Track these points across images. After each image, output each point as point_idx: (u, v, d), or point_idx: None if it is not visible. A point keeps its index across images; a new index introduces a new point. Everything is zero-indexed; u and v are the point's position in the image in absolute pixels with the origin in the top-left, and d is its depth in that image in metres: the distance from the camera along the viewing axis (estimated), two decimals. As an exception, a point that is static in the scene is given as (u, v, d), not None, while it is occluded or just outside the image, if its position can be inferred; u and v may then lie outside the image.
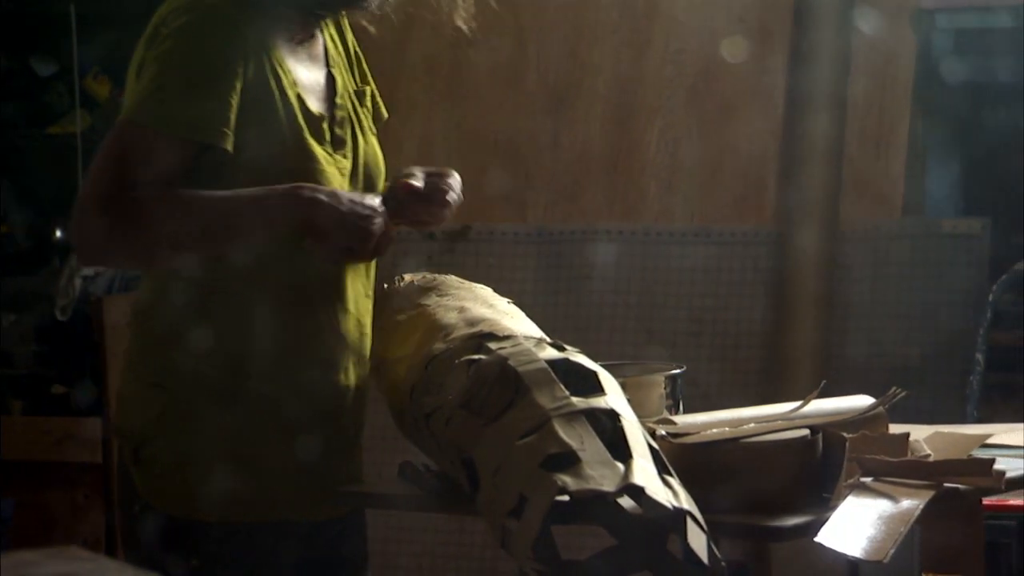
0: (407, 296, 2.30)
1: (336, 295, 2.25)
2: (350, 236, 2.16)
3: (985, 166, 4.35)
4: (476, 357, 2.01)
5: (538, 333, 2.16)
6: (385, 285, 2.36)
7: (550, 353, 2.00)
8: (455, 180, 2.33)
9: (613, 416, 1.92)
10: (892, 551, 1.91)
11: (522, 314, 2.26)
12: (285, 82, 2.21)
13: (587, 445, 1.86)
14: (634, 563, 1.94)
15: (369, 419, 2.33)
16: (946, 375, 3.96)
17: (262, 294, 2.21)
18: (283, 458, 2.22)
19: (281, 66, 2.21)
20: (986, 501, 2.29)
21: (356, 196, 2.19)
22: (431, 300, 2.25)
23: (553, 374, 1.95)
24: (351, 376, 2.27)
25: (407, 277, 2.35)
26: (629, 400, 2.26)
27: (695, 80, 4.30)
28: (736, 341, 4.22)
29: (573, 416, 1.89)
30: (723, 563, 1.84)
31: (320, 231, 2.15)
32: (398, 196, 2.25)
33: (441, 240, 4.40)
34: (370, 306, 2.31)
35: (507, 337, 2.04)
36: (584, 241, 4.34)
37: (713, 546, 1.84)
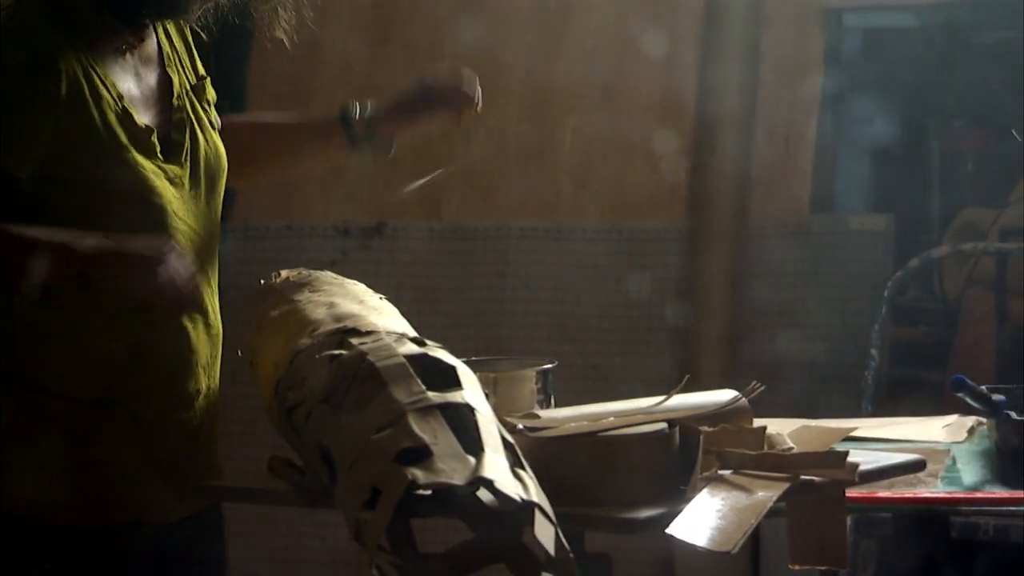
0: (281, 292, 2.32)
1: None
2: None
3: (893, 163, 4.40)
4: (337, 352, 2.04)
5: (405, 329, 2.19)
6: (262, 281, 2.38)
7: (410, 348, 2.03)
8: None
9: (468, 410, 1.95)
10: (741, 542, 1.95)
11: (394, 310, 2.29)
12: (106, 97, 2.17)
13: (440, 439, 1.89)
14: (490, 555, 1.98)
15: (252, 415, 2.35)
16: (852, 369, 4.01)
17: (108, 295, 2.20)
18: (134, 459, 2.22)
19: (103, 79, 2.18)
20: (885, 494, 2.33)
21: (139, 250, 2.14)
22: (303, 296, 2.28)
23: (411, 369, 1.98)
24: (202, 375, 2.28)
25: (283, 274, 2.38)
26: (501, 395, 2.31)
27: (608, 78, 4.34)
28: (647, 337, 4.27)
29: (428, 411, 1.92)
30: (571, 555, 1.87)
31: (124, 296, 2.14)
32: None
33: (355, 236, 4.42)
34: (216, 301, 2.31)
35: (369, 333, 2.07)
36: (497, 238, 4.37)
37: (562, 538, 1.87)
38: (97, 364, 2.20)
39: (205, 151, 2.30)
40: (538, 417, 2.15)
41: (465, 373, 2.02)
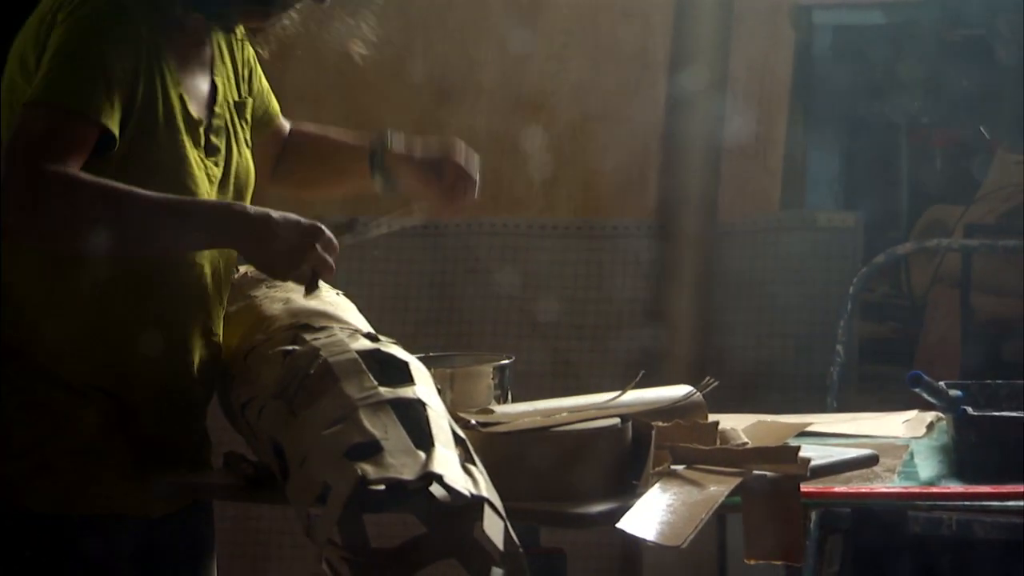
0: (240, 288, 2.33)
1: (193, 299, 2.26)
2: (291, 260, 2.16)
3: (863, 160, 4.42)
4: (290, 348, 2.05)
5: (360, 325, 2.20)
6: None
7: (362, 344, 2.04)
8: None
9: (420, 406, 1.96)
10: (691, 536, 1.96)
11: (350, 305, 2.30)
12: (170, 82, 2.23)
13: (390, 435, 1.90)
14: (441, 550, 1.99)
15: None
16: (820, 365, 4.02)
17: (110, 287, 2.22)
18: (118, 450, 2.22)
19: (168, 66, 2.23)
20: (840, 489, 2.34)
21: (294, 219, 2.19)
22: (260, 291, 2.29)
23: (363, 365, 1.99)
24: (196, 373, 2.29)
25: (242, 269, 2.38)
26: (458, 391, 2.32)
27: (579, 75, 4.35)
28: (617, 333, 4.28)
29: (379, 406, 1.93)
30: (521, 549, 1.88)
31: (267, 253, 2.16)
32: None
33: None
34: (221, 314, 2.31)
35: (322, 328, 2.08)
36: (469, 234, 4.38)
37: (512, 533, 1.88)
38: (88, 348, 2.20)
39: (237, 162, 2.34)
40: (493, 412, 2.16)
41: (418, 369, 2.03)
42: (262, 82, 2.47)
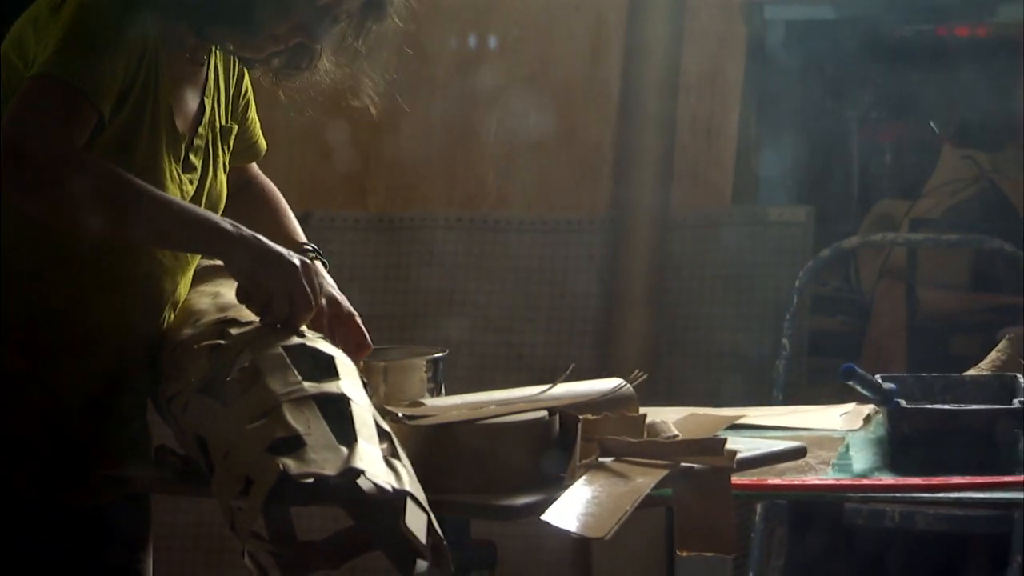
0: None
1: (140, 293, 2.26)
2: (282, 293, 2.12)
3: (814, 154, 4.45)
4: (216, 343, 2.05)
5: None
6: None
7: (288, 339, 2.04)
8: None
9: (344, 400, 1.97)
10: (615, 528, 1.97)
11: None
12: (162, 90, 2.24)
13: (313, 429, 1.91)
14: (367, 543, 2.00)
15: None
16: (770, 359, 4.05)
17: (51, 277, 2.22)
18: (48, 439, 2.23)
19: (164, 75, 2.24)
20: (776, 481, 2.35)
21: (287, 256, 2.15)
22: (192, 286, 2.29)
23: (288, 359, 1.99)
24: (134, 366, 2.29)
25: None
26: (391, 384, 2.33)
27: (532, 69, 4.36)
28: (571, 326, 4.30)
29: (303, 401, 1.94)
30: (445, 542, 1.90)
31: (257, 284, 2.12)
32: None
33: (282, 227, 4.43)
34: (170, 309, 2.31)
35: (250, 323, 2.09)
36: (423, 228, 4.40)
37: (436, 526, 1.90)
38: (26, 339, 2.20)
39: (211, 184, 2.34)
40: (422, 405, 2.17)
41: (343, 363, 2.04)
42: (255, 116, 2.48)
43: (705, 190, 4.27)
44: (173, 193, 2.25)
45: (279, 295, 2.10)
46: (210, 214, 2.19)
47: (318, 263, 2.39)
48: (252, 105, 2.47)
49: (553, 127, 4.34)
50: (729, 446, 2.13)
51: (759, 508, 3.53)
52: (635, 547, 3.90)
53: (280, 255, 2.12)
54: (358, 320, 2.33)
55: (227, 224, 2.14)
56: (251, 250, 2.11)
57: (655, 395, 4.07)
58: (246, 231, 2.13)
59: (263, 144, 2.52)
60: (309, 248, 2.44)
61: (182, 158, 2.28)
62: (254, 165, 2.56)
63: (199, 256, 2.34)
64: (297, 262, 2.12)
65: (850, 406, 2.88)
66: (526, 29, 4.38)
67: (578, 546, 4.03)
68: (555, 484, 2.06)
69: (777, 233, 4.17)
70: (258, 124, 2.50)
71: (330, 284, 2.35)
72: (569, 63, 4.34)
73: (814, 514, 2.60)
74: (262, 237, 2.14)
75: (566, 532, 1.96)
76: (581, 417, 2.10)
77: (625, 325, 4.25)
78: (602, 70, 4.33)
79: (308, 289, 2.11)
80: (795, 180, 4.44)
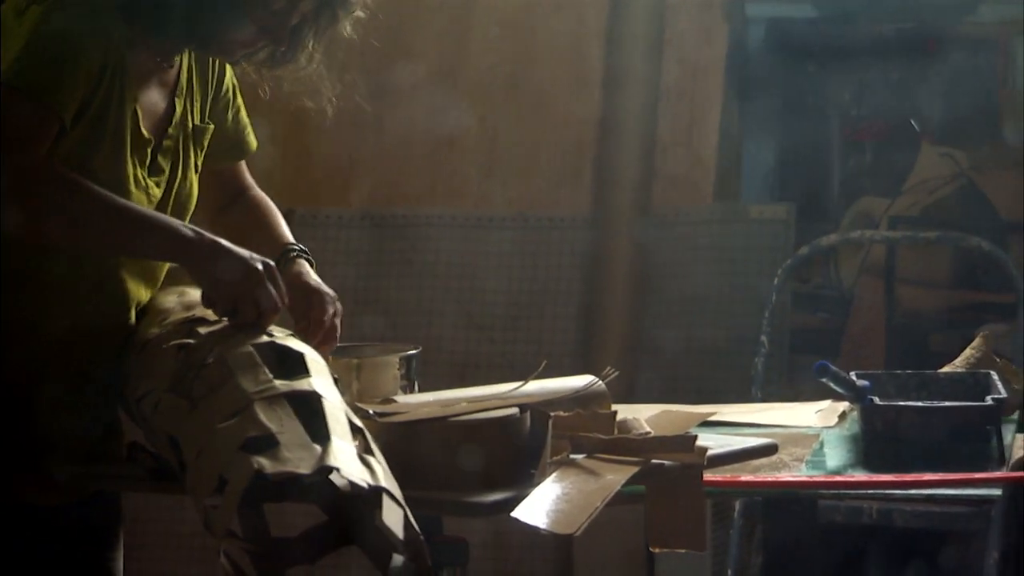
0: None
1: (107, 294, 2.26)
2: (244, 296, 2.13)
3: (796, 152, 4.46)
4: (185, 342, 2.06)
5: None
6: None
7: (258, 337, 2.05)
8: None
9: (316, 398, 1.97)
10: (585, 524, 1.98)
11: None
12: (127, 95, 2.24)
13: (286, 428, 1.92)
14: (343, 539, 2.00)
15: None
16: (751, 356, 4.06)
17: (19, 276, 2.22)
18: (17, 440, 2.23)
19: (129, 80, 2.24)
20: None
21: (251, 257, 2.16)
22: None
23: (258, 358, 2.00)
24: (104, 365, 2.29)
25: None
26: (364, 381, 2.34)
27: (514, 67, 4.37)
28: (552, 324, 4.31)
29: (274, 399, 1.95)
30: (422, 537, 1.90)
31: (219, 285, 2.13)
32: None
33: (265, 225, 4.44)
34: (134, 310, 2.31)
35: (217, 321, 2.10)
36: (406, 225, 4.41)
37: (412, 521, 1.90)
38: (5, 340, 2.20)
39: (179, 186, 2.34)
40: (395, 402, 2.18)
41: (314, 360, 2.04)
42: (240, 114, 2.47)
43: (686, 188, 4.28)
44: (138, 199, 2.25)
45: (243, 299, 2.10)
46: (171, 220, 2.19)
47: (303, 261, 2.40)
48: (238, 102, 2.46)
49: (535, 126, 4.35)
50: (700, 443, 2.14)
51: (737, 505, 3.55)
52: (616, 545, 3.91)
53: (241, 258, 2.12)
54: (335, 318, 2.33)
55: (187, 230, 2.14)
56: (212, 255, 2.11)
57: (636, 392, 4.10)
58: (207, 236, 2.14)
59: (252, 141, 2.52)
60: (294, 248, 2.44)
61: (148, 162, 2.27)
62: (248, 175, 2.55)
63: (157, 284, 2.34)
64: (259, 265, 2.12)
65: (825, 403, 2.89)
66: (507, 28, 4.39)
67: (559, 544, 4.04)
68: (526, 481, 2.08)
69: (758, 231, 4.18)
70: (246, 121, 2.49)
71: (315, 280, 2.36)
72: (550, 62, 4.35)
73: (792, 512, 2.60)
74: (223, 241, 2.14)
75: (536, 528, 1.97)
76: (552, 414, 2.11)
77: (607, 323, 4.26)
78: (583, 69, 4.34)
79: (272, 290, 2.12)
80: (776, 178, 4.45)
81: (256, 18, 2.22)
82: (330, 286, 4.49)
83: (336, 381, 2.07)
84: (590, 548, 3.97)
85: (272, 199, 4.62)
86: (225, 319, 2.14)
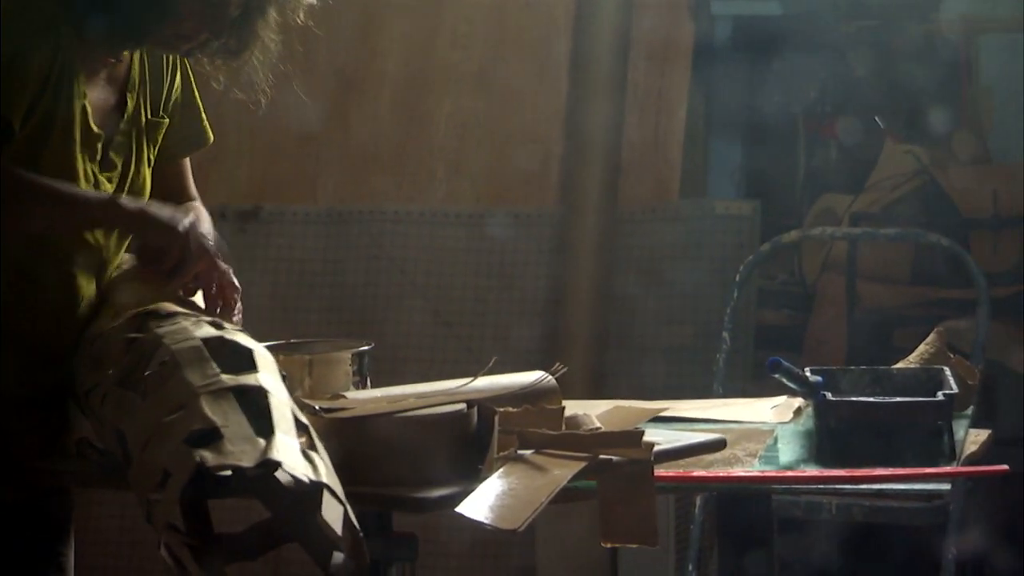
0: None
1: (62, 286, 2.27)
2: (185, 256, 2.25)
3: (761, 149, 4.47)
4: (134, 335, 2.07)
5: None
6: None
7: (206, 331, 2.06)
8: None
9: (262, 393, 1.98)
10: (529, 520, 1.99)
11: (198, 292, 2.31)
12: (76, 91, 2.24)
13: (231, 421, 1.93)
14: (285, 535, 2.01)
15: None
16: (715, 352, 4.07)
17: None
18: None
19: (77, 76, 2.25)
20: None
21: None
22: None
23: (206, 352, 2.01)
24: (57, 359, 2.29)
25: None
26: (316, 377, 2.34)
27: (482, 64, 4.38)
28: (519, 320, 4.32)
29: (221, 393, 1.96)
30: (361, 534, 1.91)
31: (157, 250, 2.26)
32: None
33: (232, 220, 4.44)
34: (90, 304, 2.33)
35: (169, 316, 2.10)
36: (372, 222, 4.41)
37: (352, 518, 1.91)
38: None
39: (132, 180, 2.35)
40: (343, 398, 2.18)
41: (262, 356, 2.05)
42: (196, 105, 2.47)
43: (652, 184, 4.29)
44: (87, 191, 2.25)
45: (181, 249, 2.21)
46: (98, 193, 2.25)
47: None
48: (193, 94, 2.46)
49: (502, 121, 4.35)
50: (647, 438, 2.15)
51: (698, 501, 3.55)
52: (579, 541, 3.92)
53: (171, 214, 2.23)
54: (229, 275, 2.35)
55: (116, 198, 2.23)
56: (142, 215, 2.22)
57: (602, 388, 4.10)
58: (132, 202, 2.24)
59: (209, 134, 2.52)
60: None
61: (99, 157, 2.28)
62: (192, 187, 2.52)
63: (120, 254, 2.34)
64: (187, 220, 2.23)
65: (781, 399, 2.90)
66: (476, 24, 4.39)
67: (523, 540, 4.04)
68: (472, 476, 2.08)
69: (724, 227, 4.19)
70: (202, 112, 2.49)
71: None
72: (518, 58, 4.36)
73: (746, 506, 2.62)
74: (150, 203, 2.24)
75: (480, 524, 1.98)
76: (499, 410, 2.12)
77: (573, 318, 4.26)
78: (551, 65, 4.35)
79: (204, 238, 2.23)
80: (742, 174, 4.46)
81: (190, 10, 2.22)
82: (296, 282, 4.48)
83: (284, 378, 2.07)
84: (554, 544, 3.97)
85: (239, 195, 4.62)
86: (180, 310, 2.16)
